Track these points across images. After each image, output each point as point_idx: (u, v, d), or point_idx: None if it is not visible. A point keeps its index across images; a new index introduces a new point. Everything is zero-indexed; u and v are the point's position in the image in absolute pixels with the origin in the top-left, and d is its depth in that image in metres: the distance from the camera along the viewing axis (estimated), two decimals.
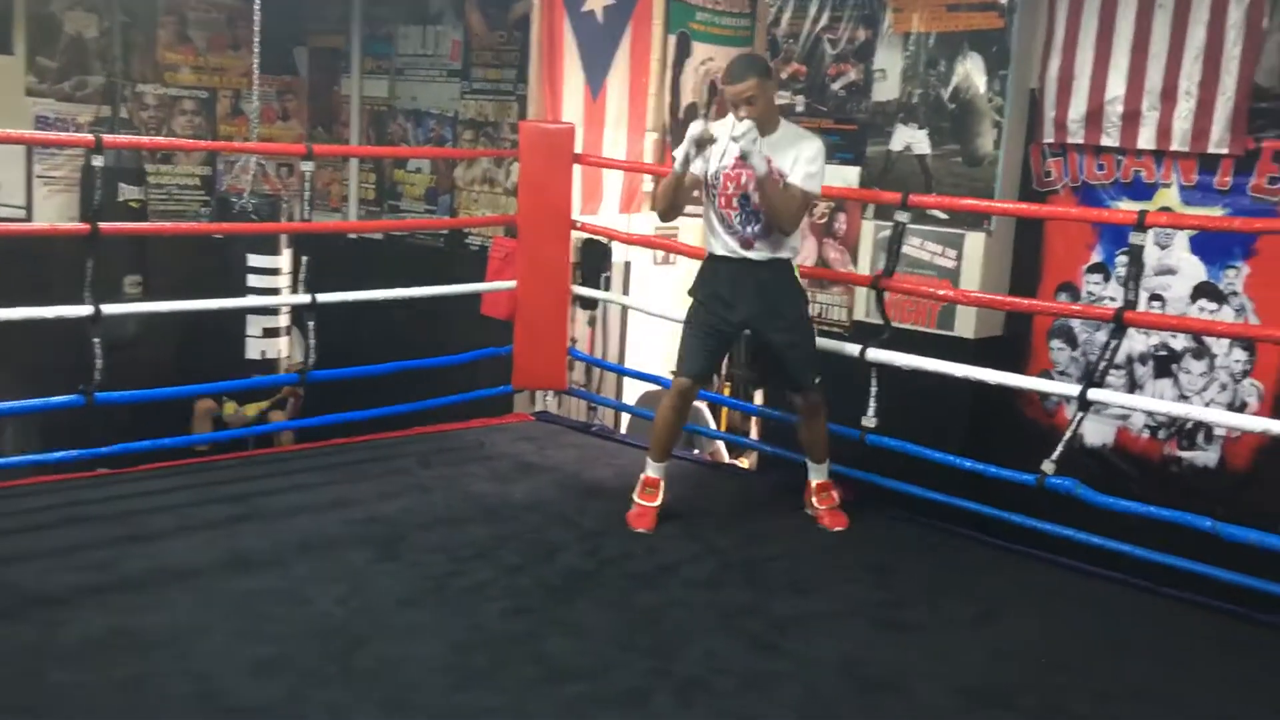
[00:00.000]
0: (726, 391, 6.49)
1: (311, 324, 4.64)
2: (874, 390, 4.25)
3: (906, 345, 4.34)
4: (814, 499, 4.12)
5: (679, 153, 3.85)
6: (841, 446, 4.34)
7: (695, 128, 3.78)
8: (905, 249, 4.49)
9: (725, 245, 3.91)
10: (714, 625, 3.22)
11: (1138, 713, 2.85)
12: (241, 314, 5.30)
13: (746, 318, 3.94)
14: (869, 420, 4.26)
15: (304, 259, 4.72)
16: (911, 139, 4.81)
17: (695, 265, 6.68)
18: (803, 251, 5.22)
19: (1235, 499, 4.06)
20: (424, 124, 6.78)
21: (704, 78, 6.49)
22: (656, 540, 3.84)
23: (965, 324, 4.66)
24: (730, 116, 3.75)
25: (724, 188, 3.85)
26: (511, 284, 5.25)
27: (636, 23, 6.05)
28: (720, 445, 5.83)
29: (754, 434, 6.04)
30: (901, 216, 4.16)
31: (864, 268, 4.93)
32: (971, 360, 4.31)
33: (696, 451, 5.57)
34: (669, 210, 3.99)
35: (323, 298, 4.62)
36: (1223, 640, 3.32)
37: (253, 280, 5.29)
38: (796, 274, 4.00)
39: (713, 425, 5.82)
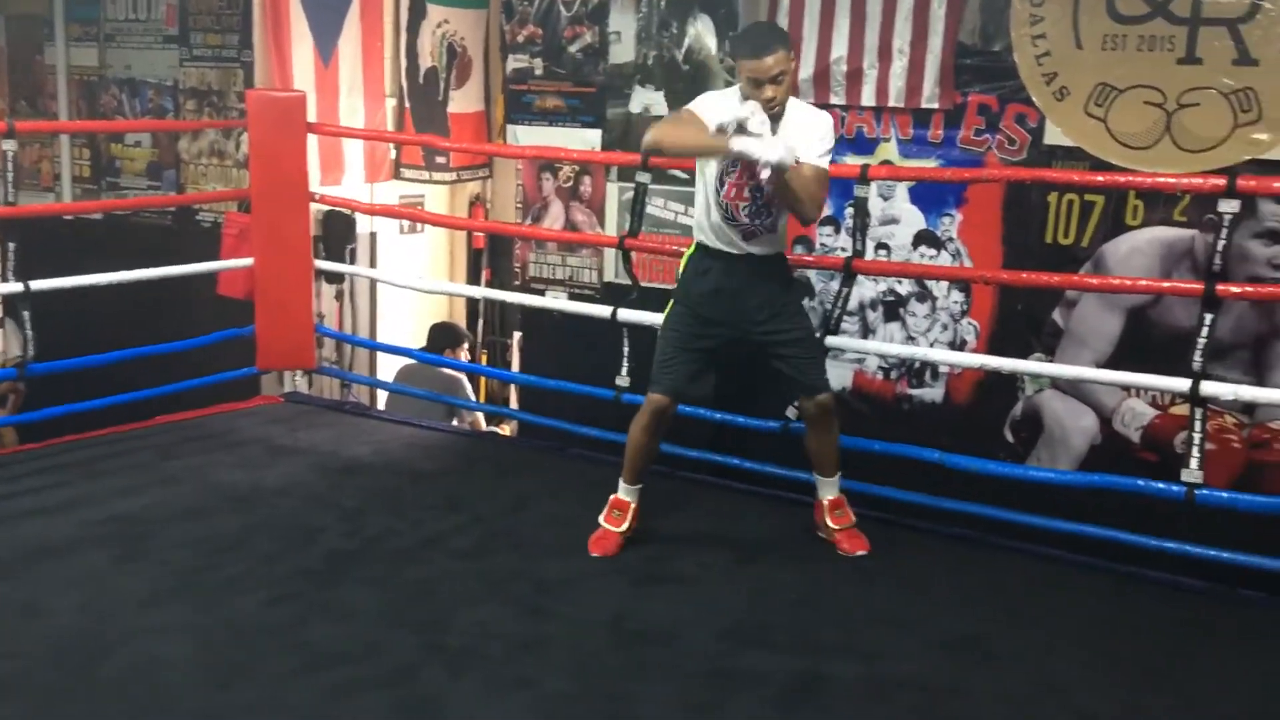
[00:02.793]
0: (484, 359, 6.46)
1: (27, 314, 4.30)
2: (626, 350, 4.33)
3: (657, 303, 4.42)
4: (827, 519, 3.62)
5: (718, 123, 3.15)
6: (597, 407, 4.41)
7: (746, 108, 3.13)
8: (649, 209, 4.58)
9: (724, 237, 3.41)
10: (483, 594, 3.22)
11: (881, 636, 3.04)
12: None
13: (742, 321, 3.46)
14: (622, 380, 4.33)
15: (11, 245, 4.37)
16: (649, 100, 4.90)
17: (443, 233, 6.67)
18: (552, 217, 5.28)
19: (959, 430, 4.39)
20: (141, 94, 6.34)
21: (441, 41, 6.38)
22: (420, 514, 3.80)
23: None
24: (734, 97, 3.26)
25: (738, 176, 3.33)
26: (248, 261, 5.02)
27: None
28: (479, 415, 5.81)
29: (513, 402, 6.05)
30: (643, 178, 4.23)
31: (611, 229, 5.00)
32: None
33: (455, 422, 5.53)
34: (670, 152, 3.57)
35: (37, 285, 4.28)
36: (955, 563, 3.58)
37: None
38: (791, 267, 3.64)
39: (471, 395, 5.78)
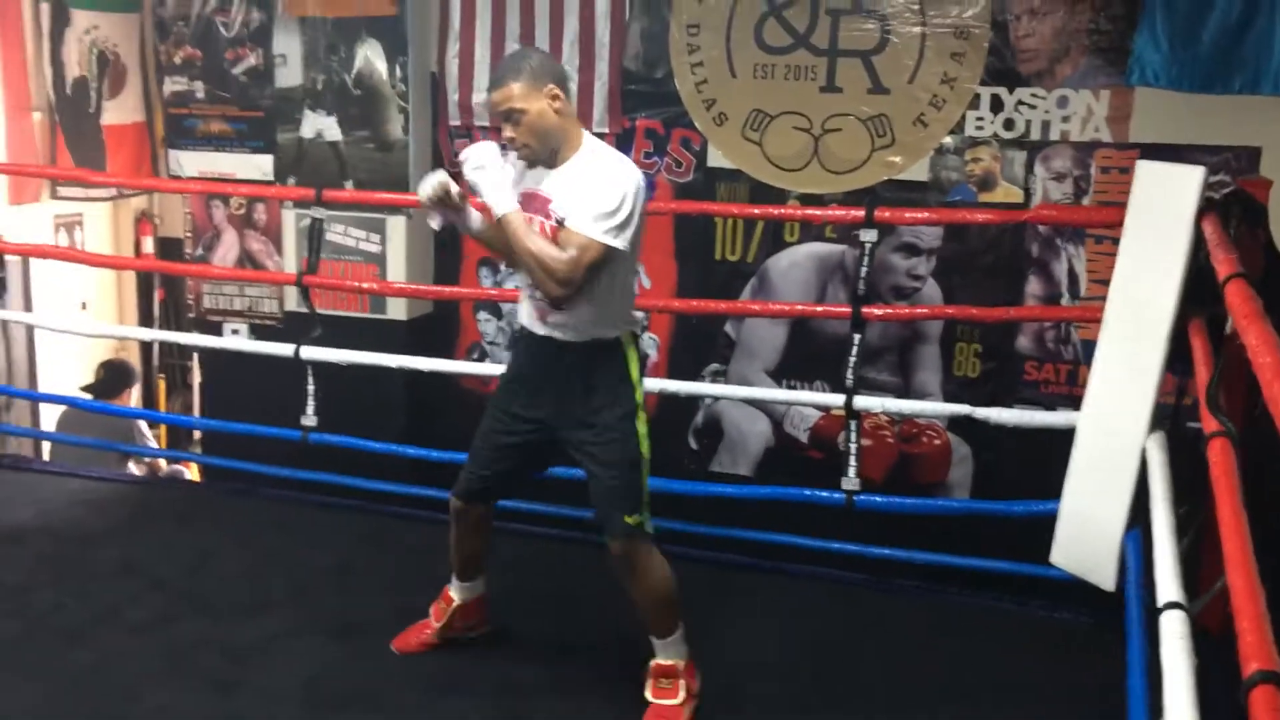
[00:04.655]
0: (161, 384, 6.12)
1: None
2: (311, 388, 4.22)
3: (342, 331, 4.34)
4: (647, 684, 2.87)
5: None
6: (284, 448, 4.29)
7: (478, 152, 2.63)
8: (330, 236, 4.48)
9: (526, 313, 2.81)
10: (165, 671, 3.05)
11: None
12: None
13: (548, 419, 2.81)
14: (309, 419, 4.22)
15: None
16: (322, 125, 4.78)
17: (110, 250, 6.19)
18: (225, 246, 5.05)
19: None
20: None
21: (90, 48, 5.93)
22: (92, 583, 3.55)
23: (397, 307, 4.77)
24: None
25: None
26: None
27: None
28: (160, 459, 5.48)
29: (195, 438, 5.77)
30: (319, 212, 4.12)
31: (289, 257, 4.85)
32: (406, 341, 4.43)
33: (132, 467, 5.21)
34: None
35: None
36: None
37: None
38: (630, 362, 2.76)
39: (148, 438, 5.44)
